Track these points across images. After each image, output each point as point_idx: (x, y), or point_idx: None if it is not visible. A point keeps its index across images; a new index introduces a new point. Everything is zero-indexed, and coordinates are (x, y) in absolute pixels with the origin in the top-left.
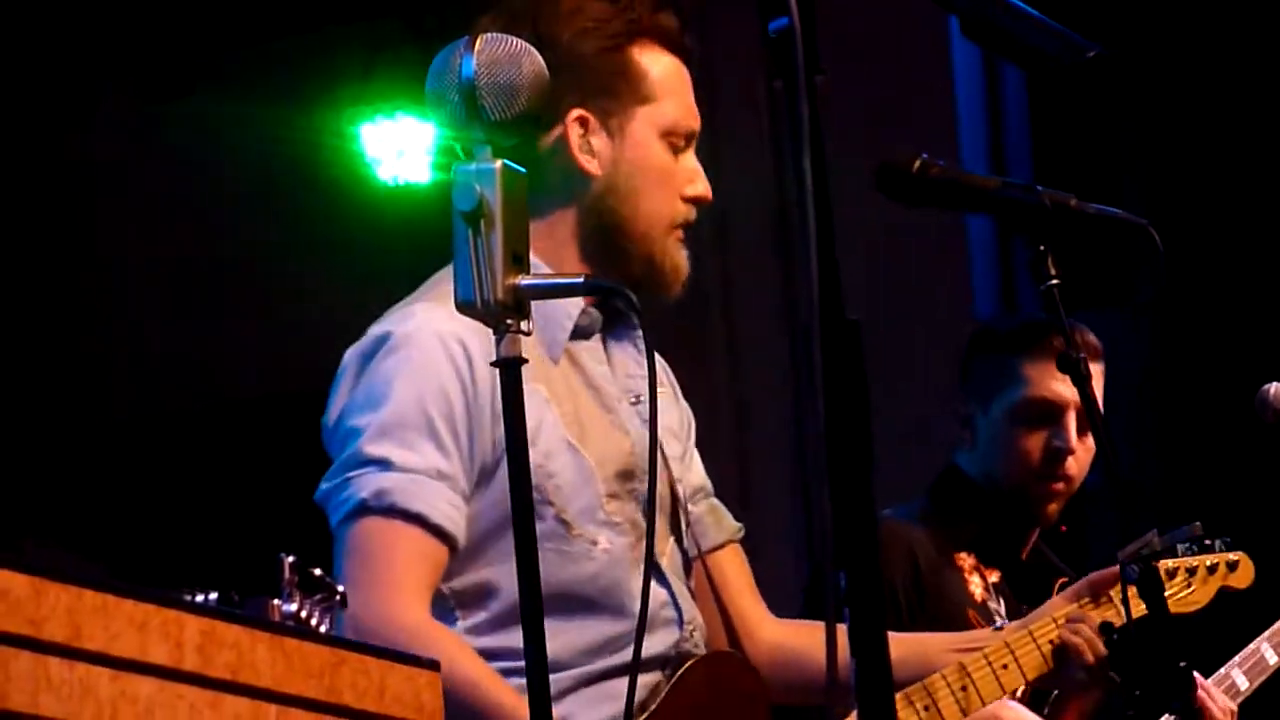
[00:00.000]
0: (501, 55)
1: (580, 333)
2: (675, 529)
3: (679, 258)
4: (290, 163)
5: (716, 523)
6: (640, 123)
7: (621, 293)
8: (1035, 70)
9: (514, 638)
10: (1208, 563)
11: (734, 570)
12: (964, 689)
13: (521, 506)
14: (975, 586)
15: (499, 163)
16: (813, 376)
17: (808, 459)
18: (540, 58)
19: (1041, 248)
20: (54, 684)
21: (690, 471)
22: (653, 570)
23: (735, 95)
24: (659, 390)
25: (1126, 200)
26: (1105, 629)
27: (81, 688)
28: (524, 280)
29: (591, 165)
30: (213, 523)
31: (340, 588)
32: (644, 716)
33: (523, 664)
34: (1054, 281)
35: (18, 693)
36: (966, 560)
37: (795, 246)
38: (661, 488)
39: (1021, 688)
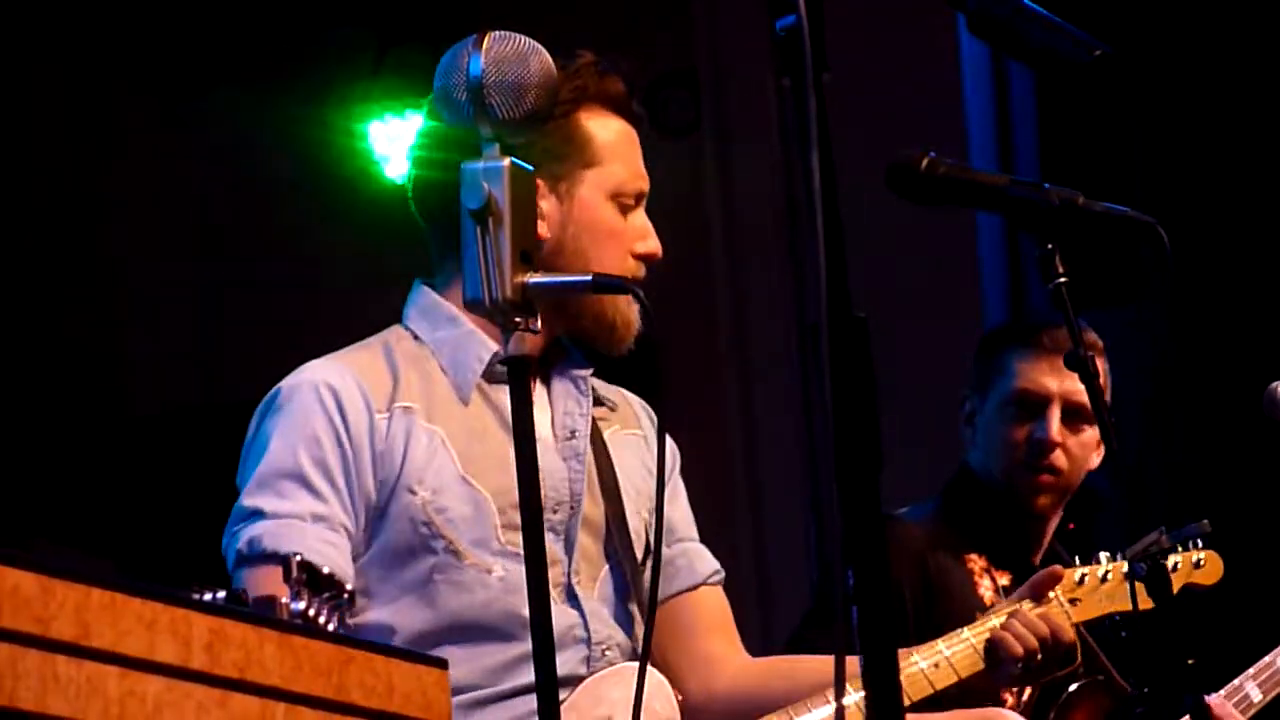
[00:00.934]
0: (509, 53)
1: (496, 376)
2: (611, 555)
3: (629, 314)
4: (300, 160)
5: (689, 565)
6: (588, 186)
7: (632, 290)
8: (1044, 69)
9: None
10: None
11: (707, 611)
12: None
13: (530, 508)
14: (985, 589)
15: (507, 161)
16: (821, 374)
17: (817, 457)
18: (549, 57)
19: (1050, 246)
20: (62, 682)
21: (672, 511)
22: (564, 593)
23: (743, 93)
24: (628, 430)
25: (1134, 198)
26: (1114, 627)
27: (89, 686)
28: (532, 278)
29: (540, 228)
30: (222, 522)
31: (349, 586)
32: None
33: None
34: (1062, 279)
35: (25, 691)
36: (978, 562)
37: (803, 244)
38: (594, 514)
39: (948, 682)
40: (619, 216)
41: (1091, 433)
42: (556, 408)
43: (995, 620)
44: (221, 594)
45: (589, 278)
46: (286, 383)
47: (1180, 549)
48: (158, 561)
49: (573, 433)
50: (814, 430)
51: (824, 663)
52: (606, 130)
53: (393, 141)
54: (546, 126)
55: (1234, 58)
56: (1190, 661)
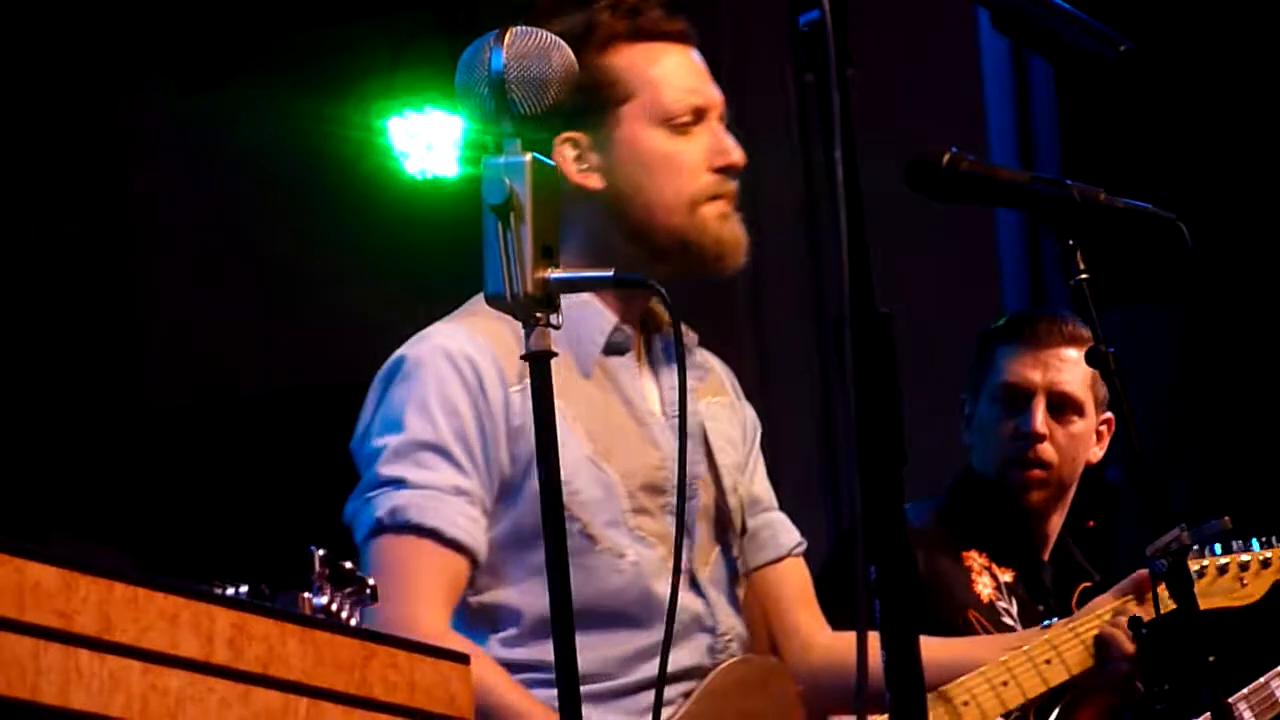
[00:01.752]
0: (531, 48)
1: (614, 349)
2: (722, 539)
3: (722, 231)
4: (319, 156)
5: (773, 537)
6: (627, 122)
7: (652, 287)
8: (1068, 64)
9: (546, 650)
10: (1261, 557)
11: (790, 584)
12: (1005, 683)
13: (551, 505)
14: (983, 587)
15: (529, 156)
16: (842, 370)
17: (836, 452)
18: (570, 51)
19: (1071, 242)
20: (84, 677)
21: (752, 483)
22: (688, 580)
23: (765, 88)
24: (717, 398)
25: (1154, 195)
26: (1134, 624)
27: (112, 681)
28: (554, 274)
29: (592, 181)
30: (243, 516)
31: (371, 581)
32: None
33: (547, 674)
34: (1083, 276)
35: (48, 685)
36: (976, 559)
37: (825, 240)
38: (705, 498)
39: (1063, 680)
40: (674, 139)
41: (1082, 425)
42: (663, 382)
43: (1098, 614)
44: (244, 589)
45: (609, 274)
46: (412, 350)
47: (1261, 547)
48: (180, 556)
49: (675, 408)
50: (833, 427)
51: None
52: (634, 59)
53: (412, 137)
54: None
55: (1255, 54)
56: (1211, 659)
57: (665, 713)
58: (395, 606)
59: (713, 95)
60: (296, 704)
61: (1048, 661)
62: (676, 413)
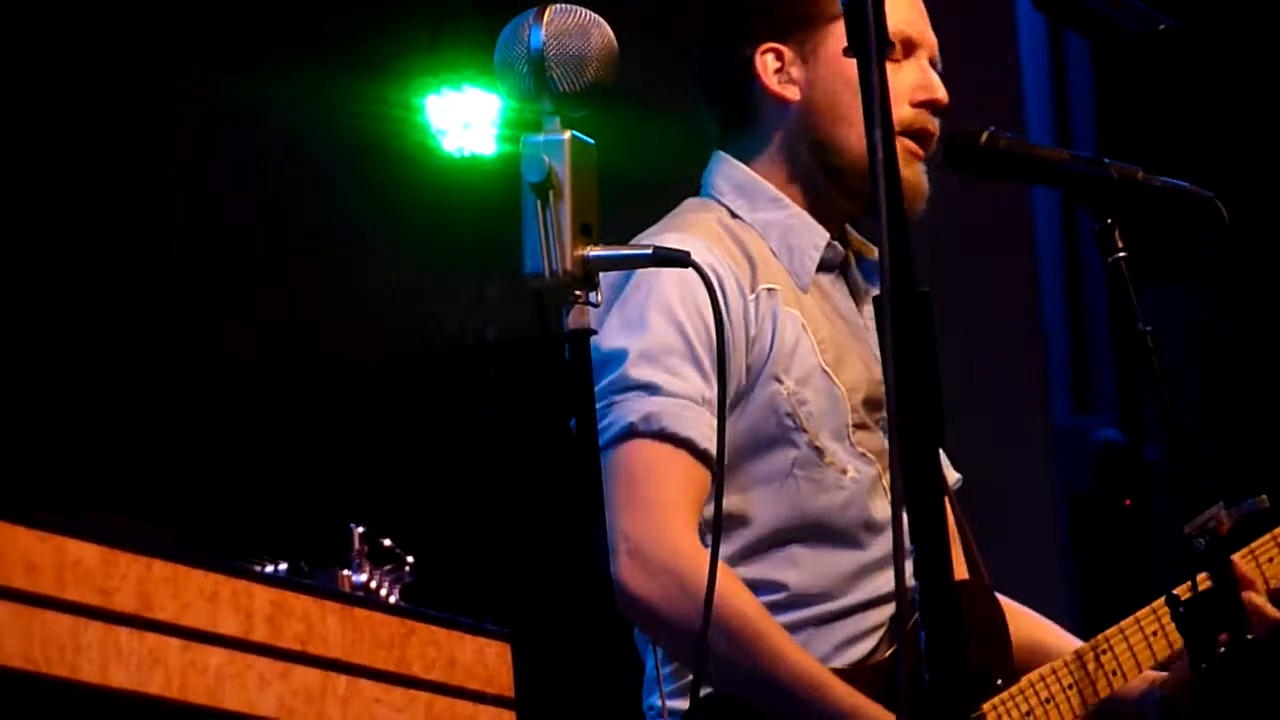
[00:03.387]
0: (570, 26)
1: (825, 265)
2: None
3: (904, 171)
4: (356, 134)
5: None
6: (833, 40)
7: (696, 267)
8: (1106, 42)
9: (764, 568)
10: None
11: (950, 522)
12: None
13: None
14: None
15: (568, 134)
16: (883, 350)
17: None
18: (609, 29)
19: (1109, 221)
20: (124, 654)
21: None
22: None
23: None
24: None
25: (1191, 174)
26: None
27: (151, 658)
28: (592, 251)
29: (790, 92)
30: (282, 493)
31: (409, 559)
32: (889, 652)
33: (778, 596)
34: (1121, 254)
35: (88, 663)
36: None
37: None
38: None
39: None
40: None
41: None
42: (860, 299)
43: None
44: (284, 566)
45: (649, 251)
46: None
47: None
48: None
49: None
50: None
51: (1016, 615)
52: None
53: (450, 115)
54: None
55: None
56: (1249, 638)
57: (879, 637)
58: (650, 513)
59: (926, 33)
60: (335, 681)
61: (1154, 634)
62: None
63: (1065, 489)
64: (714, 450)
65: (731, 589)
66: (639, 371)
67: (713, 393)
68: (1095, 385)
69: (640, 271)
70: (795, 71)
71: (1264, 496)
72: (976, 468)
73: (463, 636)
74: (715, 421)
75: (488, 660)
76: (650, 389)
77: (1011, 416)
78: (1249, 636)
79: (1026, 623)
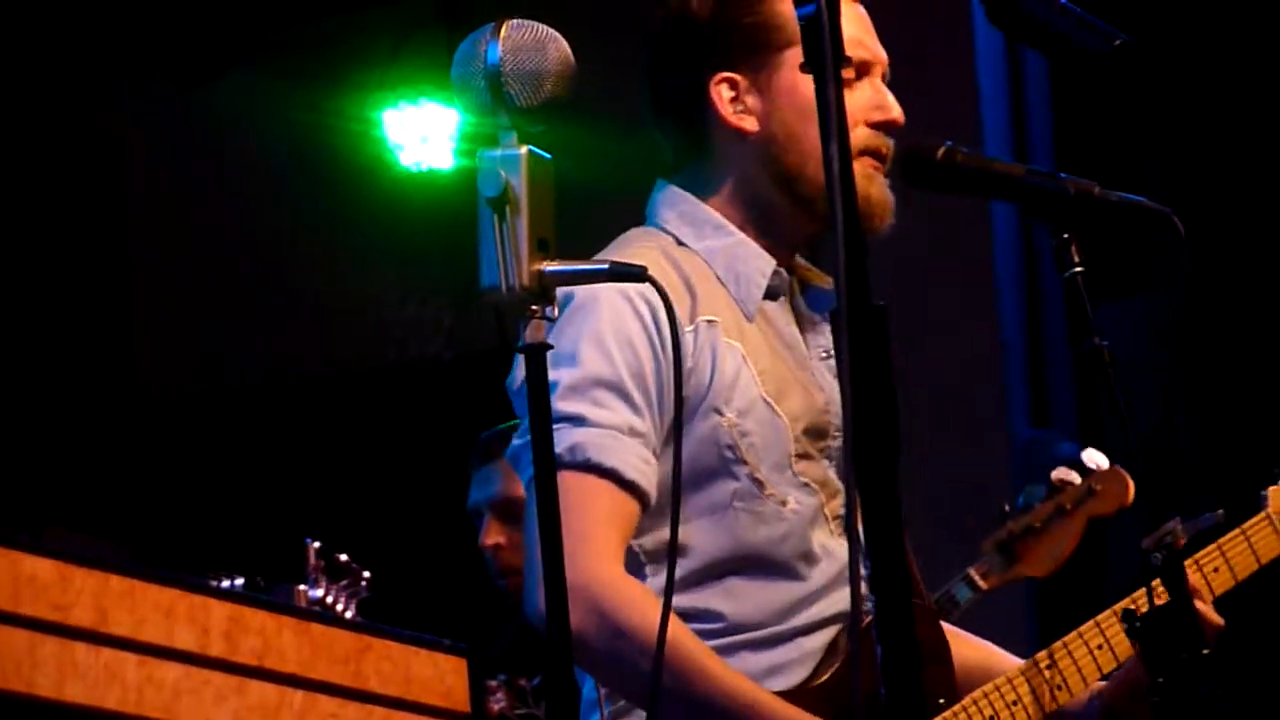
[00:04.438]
0: (527, 41)
1: (771, 293)
2: None
3: (869, 189)
4: (315, 147)
5: None
6: (788, 68)
7: (651, 280)
8: (1064, 58)
9: (705, 597)
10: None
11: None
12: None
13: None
14: None
15: (524, 149)
16: (839, 363)
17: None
18: (566, 45)
19: (1065, 236)
20: (80, 669)
21: None
22: (842, 525)
23: None
24: None
25: (1147, 189)
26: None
27: (107, 673)
28: (549, 266)
29: (747, 123)
30: (239, 508)
31: (366, 574)
32: (828, 674)
33: (714, 625)
34: (1077, 269)
35: (44, 678)
36: None
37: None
38: None
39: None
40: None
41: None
42: (805, 326)
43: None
44: (240, 581)
45: (605, 266)
46: (586, 286)
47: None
48: (176, 548)
49: (827, 351)
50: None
51: (954, 639)
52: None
53: (407, 129)
54: (739, 23)
55: (1248, 49)
56: (1205, 652)
57: (818, 660)
58: (569, 544)
59: (877, 51)
60: (292, 696)
61: (1099, 647)
62: (824, 355)
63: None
64: (641, 481)
65: (654, 614)
66: (566, 404)
67: (644, 424)
68: (1053, 399)
69: (575, 303)
70: (750, 101)
71: (1221, 511)
72: (935, 481)
73: (419, 651)
74: (645, 452)
75: (444, 675)
76: (576, 420)
77: (970, 430)
78: (1205, 651)
79: (973, 645)
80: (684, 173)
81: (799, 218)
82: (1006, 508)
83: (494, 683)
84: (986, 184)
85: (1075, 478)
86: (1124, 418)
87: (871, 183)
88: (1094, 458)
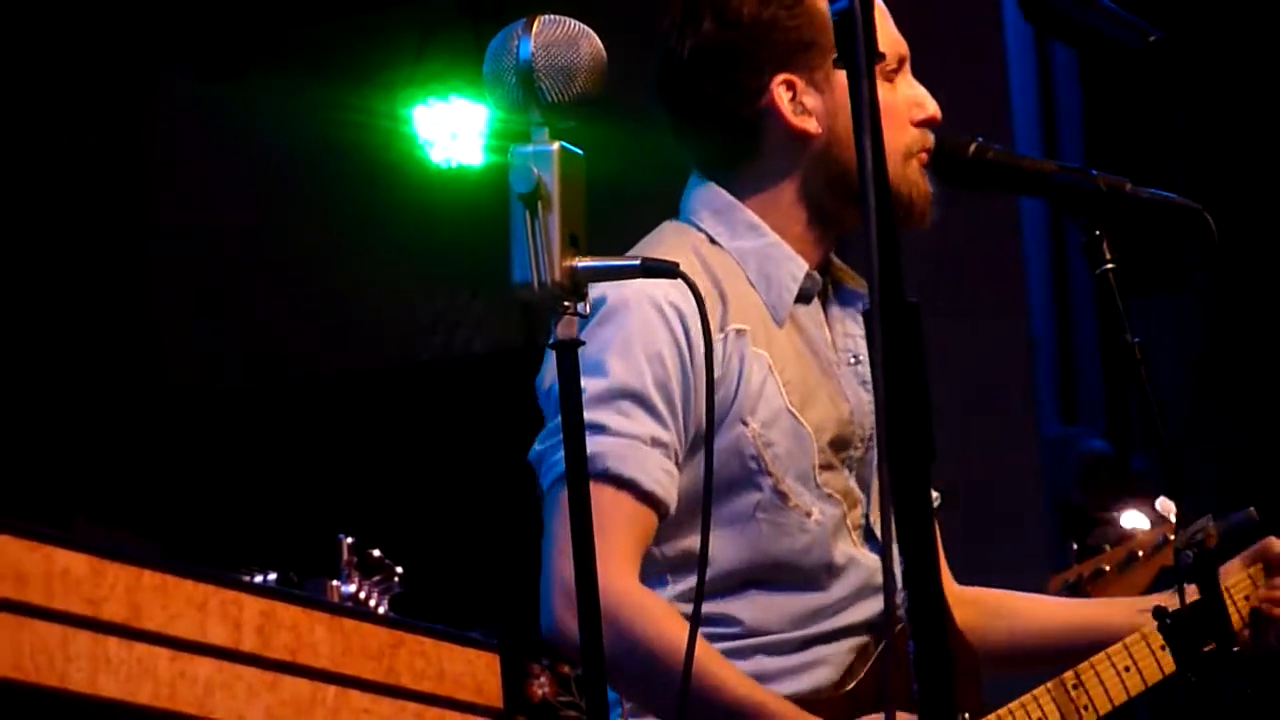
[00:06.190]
0: (559, 37)
1: (802, 295)
2: None
3: (923, 184)
4: (343, 144)
5: None
6: None
7: (684, 276)
8: (1096, 53)
9: (726, 604)
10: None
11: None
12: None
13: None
14: None
15: (556, 144)
16: (872, 362)
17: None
18: (598, 40)
19: (1097, 232)
20: (113, 664)
21: None
22: (863, 536)
23: None
24: None
25: (1177, 186)
26: (1158, 614)
27: (140, 668)
28: (581, 262)
29: (810, 125)
30: (271, 503)
31: (398, 569)
32: (854, 683)
33: (730, 630)
34: (1109, 266)
35: (77, 673)
36: None
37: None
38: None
39: None
40: (885, 87)
41: None
42: (835, 329)
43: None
44: (272, 576)
45: (637, 262)
46: (616, 292)
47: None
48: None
49: (855, 357)
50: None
51: (1035, 603)
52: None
53: (437, 125)
54: (786, 24)
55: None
56: (1235, 650)
57: (844, 667)
58: None
59: (904, 47)
60: (324, 692)
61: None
62: (852, 360)
63: (1053, 499)
64: (660, 491)
65: (668, 625)
66: (589, 413)
67: (668, 434)
68: (1082, 396)
69: (605, 310)
70: (810, 101)
71: (1253, 509)
72: (965, 478)
73: (452, 647)
74: (666, 463)
75: (477, 671)
76: (597, 429)
77: (999, 427)
78: (1234, 649)
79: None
80: (720, 174)
81: (851, 218)
82: (1075, 546)
83: (537, 666)
84: (1017, 180)
85: (1169, 513)
86: (1156, 414)
87: (923, 178)
88: (1167, 506)
